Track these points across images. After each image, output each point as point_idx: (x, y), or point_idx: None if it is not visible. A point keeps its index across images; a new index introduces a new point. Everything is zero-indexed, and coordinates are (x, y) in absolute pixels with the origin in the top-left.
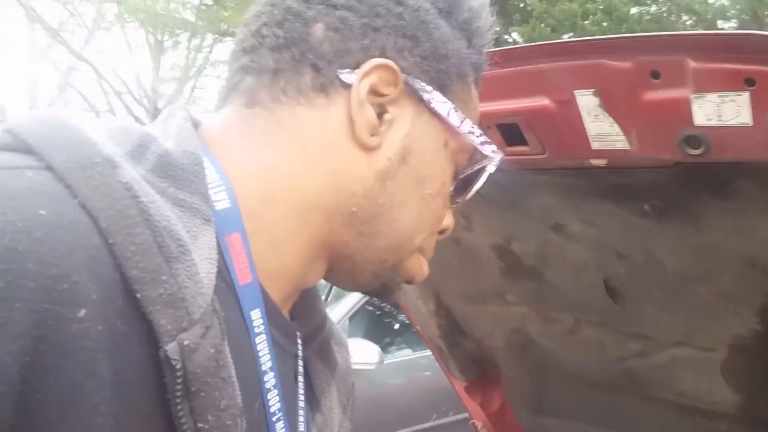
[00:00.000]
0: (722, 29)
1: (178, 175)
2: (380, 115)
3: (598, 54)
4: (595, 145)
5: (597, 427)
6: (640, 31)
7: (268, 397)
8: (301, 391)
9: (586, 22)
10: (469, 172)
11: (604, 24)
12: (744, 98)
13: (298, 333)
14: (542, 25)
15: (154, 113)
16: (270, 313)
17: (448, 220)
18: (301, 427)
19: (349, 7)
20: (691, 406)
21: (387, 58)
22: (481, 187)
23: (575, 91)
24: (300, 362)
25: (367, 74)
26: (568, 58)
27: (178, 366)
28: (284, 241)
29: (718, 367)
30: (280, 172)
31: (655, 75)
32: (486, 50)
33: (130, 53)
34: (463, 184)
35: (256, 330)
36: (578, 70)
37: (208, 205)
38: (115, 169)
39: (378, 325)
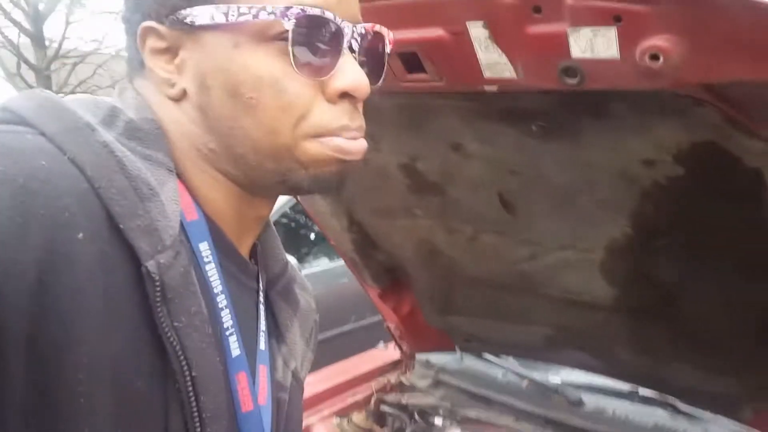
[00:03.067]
0: None
1: (143, 137)
2: (177, 68)
3: None
4: (487, 74)
5: (495, 321)
6: None
7: (221, 315)
8: (261, 319)
9: None
10: (294, 34)
11: None
12: (612, 33)
13: (258, 273)
14: None
15: (34, 17)
16: (222, 248)
17: (339, 82)
18: (262, 347)
19: (125, 9)
20: (575, 300)
21: (150, 20)
22: (386, 111)
23: (467, 23)
24: (261, 296)
25: (142, 44)
26: None
27: (157, 278)
28: (207, 183)
29: (597, 266)
30: (169, 132)
31: (537, 9)
32: None
33: None
34: (304, 46)
35: (205, 259)
36: (468, 3)
37: (169, 159)
38: (94, 132)
39: (294, 236)
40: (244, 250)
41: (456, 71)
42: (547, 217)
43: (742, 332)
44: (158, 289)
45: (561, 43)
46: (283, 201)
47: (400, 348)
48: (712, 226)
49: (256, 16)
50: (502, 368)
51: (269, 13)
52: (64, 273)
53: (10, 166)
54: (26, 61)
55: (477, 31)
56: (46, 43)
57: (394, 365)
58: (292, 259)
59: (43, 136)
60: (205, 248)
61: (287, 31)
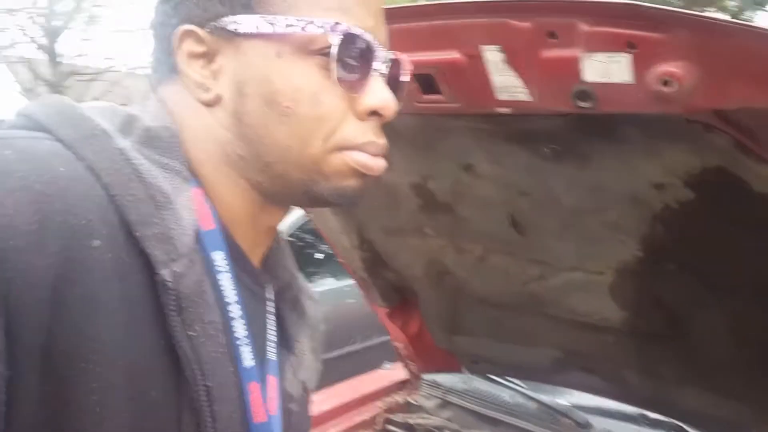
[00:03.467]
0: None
1: (160, 145)
2: (213, 73)
3: (502, 13)
4: (501, 96)
5: (503, 342)
6: None
7: (233, 324)
8: (271, 329)
9: None
10: (336, 50)
11: None
12: (626, 59)
13: (269, 282)
14: None
15: (50, 33)
16: (236, 257)
17: (368, 100)
18: (272, 357)
19: (157, 14)
20: (583, 322)
21: (191, 23)
22: (399, 131)
23: (481, 46)
24: (271, 305)
25: (178, 47)
26: (475, 16)
27: (172, 287)
28: (227, 192)
29: (607, 288)
30: (191, 143)
31: (552, 35)
32: None
33: None
34: (348, 61)
35: (219, 269)
36: (484, 28)
37: (186, 168)
38: (111, 139)
39: (300, 255)
40: (256, 260)
41: (471, 93)
42: (557, 239)
43: (750, 357)
44: (173, 298)
45: (575, 68)
46: (293, 220)
47: (408, 368)
48: (722, 250)
49: (304, 29)
50: (510, 390)
51: (318, 27)
52: (80, 281)
53: (28, 172)
54: (41, 77)
55: (492, 55)
56: (62, 59)
57: (401, 385)
58: None
59: (61, 142)
60: (220, 257)
61: (332, 46)
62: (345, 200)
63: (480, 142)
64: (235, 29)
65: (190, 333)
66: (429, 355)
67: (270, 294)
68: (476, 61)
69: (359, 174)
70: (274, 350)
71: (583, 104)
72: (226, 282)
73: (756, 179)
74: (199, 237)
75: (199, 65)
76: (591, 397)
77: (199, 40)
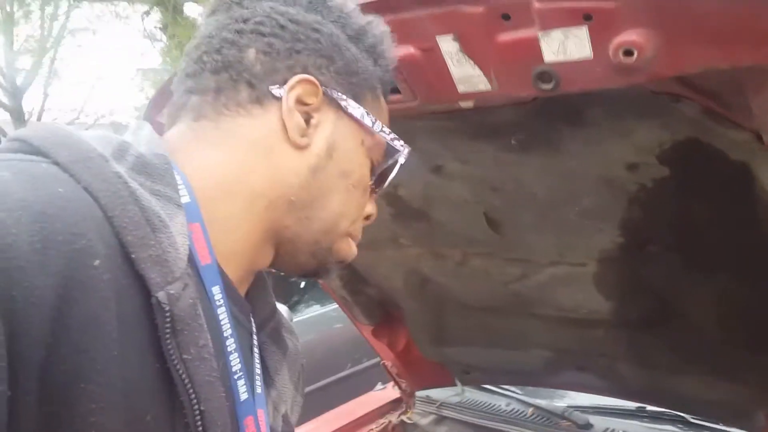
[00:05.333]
0: None
1: (153, 172)
2: (307, 121)
3: (454, 0)
4: (461, 88)
5: (491, 348)
6: None
7: (230, 359)
8: (257, 361)
9: None
10: (385, 165)
11: None
12: (584, 32)
13: (251, 314)
14: None
15: (13, 92)
16: (228, 290)
17: (371, 208)
18: (259, 390)
19: (275, 35)
20: (571, 317)
21: (309, 74)
22: None
23: (437, 37)
24: (254, 338)
25: (293, 88)
26: (425, 7)
27: (167, 309)
28: (235, 227)
29: (591, 279)
30: (229, 169)
31: (506, 17)
32: (390, 68)
33: None
34: (380, 176)
35: (217, 303)
36: (436, 18)
37: (178, 195)
38: (108, 162)
39: (284, 285)
40: (242, 290)
41: (430, 88)
42: (535, 233)
43: (745, 336)
44: (168, 320)
45: (533, 49)
46: None
47: (399, 386)
48: (703, 227)
49: (391, 140)
50: (506, 397)
51: (401, 145)
52: (81, 300)
53: (29, 193)
54: (6, 136)
55: (447, 45)
56: (26, 116)
57: (395, 404)
58: (283, 308)
59: (57, 165)
60: (217, 292)
61: (396, 161)
62: (324, 275)
63: (446, 142)
64: (345, 106)
65: (185, 356)
66: (420, 371)
67: (253, 325)
68: (433, 53)
69: (344, 260)
70: (261, 383)
71: (545, 86)
72: (223, 316)
73: (731, 146)
74: (193, 265)
75: (301, 111)
76: (588, 396)
77: (314, 93)
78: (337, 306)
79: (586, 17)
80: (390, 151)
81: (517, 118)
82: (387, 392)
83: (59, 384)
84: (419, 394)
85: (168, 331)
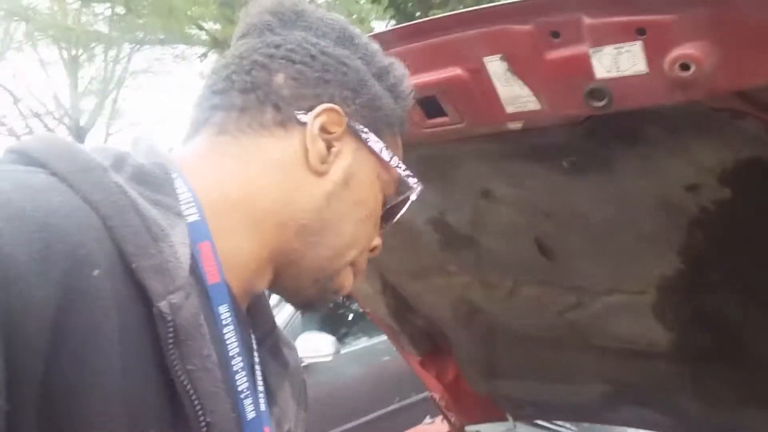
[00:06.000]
0: None
1: (152, 182)
2: (328, 149)
3: (501, 20)
4: (509, 109)
5: (545, 381)
6: None
7: (236, 378)
8: (259, 379)
9: None
10: (395, 201)
11: None
12: (637, 47)
13: (251, 331)
14: (461, 6)
15: (77, 131)
16: (234, 308)
17: (377, 241)
18: (263, 407)
19: (305, 63)
20: (629, 349)
21: (335, 104)
22: (409, 164)
23: (484, 58)
24: (256, 354)
25: (319, 115)
26: (473, 27)
27: (170, 318)
28: (242, 245)
29: (650, 308)
30: (242, 186)
31: (555, 34)
32: (407, 109)
33: (45, 71)
34: (390, 211)
35: (224, 322)
36: (484, 38)
37: (178, 204)
38: (107, 172)
39: (332, 317)
40: (243, 309)
41: (477, 110)
42: (589, 260)
43: None
44: (170, 330)
45: (584, 66)
46: None
47: (448, 420)
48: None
49: (405, 176)
50: None
51: (413, 183)
52: (81, 311)
53: (28, 202)
54: None
55: (495, 66)
56: None
57: None
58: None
59: (55, 176)
60: (225, 310)
61: (407, 197)
62: (320, 305)
63: (495, 165)
64: (366, 139)
65: (189, 367)
66: (469, 404)
67: (253, 342)
68: (479, 74)
69: (341, 291)
70: (264, 401)
71: (597, 104)
72: (230, 335)
73: None
74: (197, 276)
75: (324, 138)
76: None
77: (339, 123)
78: (384, 339)
79: (640, 32)
80: (403, 188)
81: (569, 139)
82: (436, 426)
83: (60, 396)
84: (469, 428)
85: (171, 341)
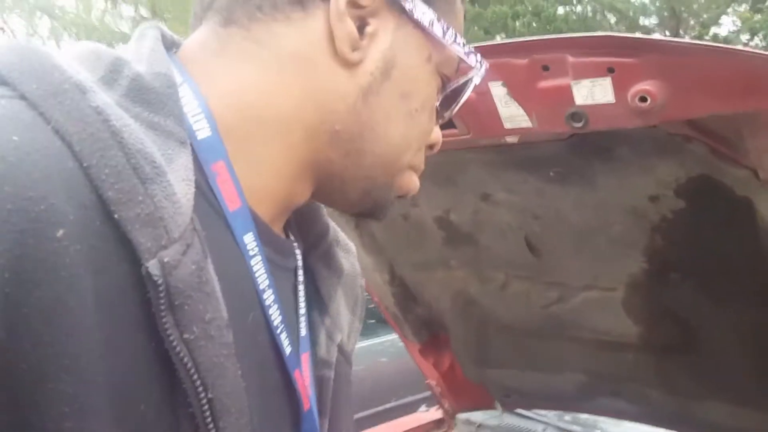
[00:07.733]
0: (644, 25)
1: (152, 99)
2: (360, 29)
3: (504, 54)
4: (507, 125)
5: (529, 371)
6: (567, 30)
7: (270, 312)
8: (301, 301)
9: (517, 23)
10: (456, 84)
11: (534, 24)
12: (607, 82)
13: (295, 245)
14: (476, 27)
15: None
16: (261, 233)
17: (436, 135)
18: (303, 332)
19: None
20: (604, 340)
21: None
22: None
23: (489, 83)
24: (300, 273)
25: None
26: (483, 58)
27: (160, 281)
28: (266, 161)
29: (620, 303)
30: (259, 90)
31: (546, 68)
32: None
33: None
34: (449, 97)
35: (251, 253)
36: (490, 67)
37: (182, 128)
38: (86, 94)
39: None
40: (278, 227)
41: (481, 125)
42: (571, 258)
43: (763, 363)
44: (162, 294)
45: (567, 94)
46: None
47: (442, 406)
48: (717, 256)
49: (466, 53)
50: (543, 423)
51: (478, 61)
52: (40, 284)
53: None
54: None
55: (497, 90)
56: None
57: (436, 424)
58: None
59: (24, 99)
60: (250, 240)
61: (470, 79)
62: (381, 214)
63: (494, 172)
64: (410, 9)
65: (186, 336)
66: (462, 392)
67: (297, 260)
68: (485, 96)
69: (407, 195)
70: (305, 324)
71: (576, 125)
72: (258, 266)
73: (736, 183)
74: (214, 213)
75: (354, 17)
76: (617, 422)
77: None
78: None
79: (610, 70)
80: (463, 68)
81: (556, 152)
82: (430, 413)
83: (24, 385)
84: (460, 416)
85: (163, 307)
